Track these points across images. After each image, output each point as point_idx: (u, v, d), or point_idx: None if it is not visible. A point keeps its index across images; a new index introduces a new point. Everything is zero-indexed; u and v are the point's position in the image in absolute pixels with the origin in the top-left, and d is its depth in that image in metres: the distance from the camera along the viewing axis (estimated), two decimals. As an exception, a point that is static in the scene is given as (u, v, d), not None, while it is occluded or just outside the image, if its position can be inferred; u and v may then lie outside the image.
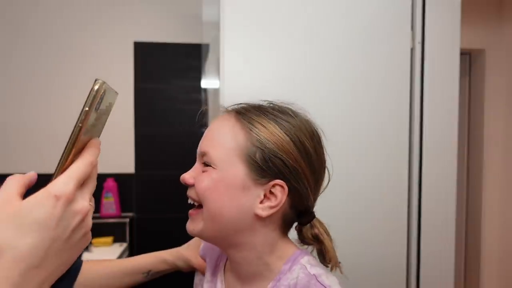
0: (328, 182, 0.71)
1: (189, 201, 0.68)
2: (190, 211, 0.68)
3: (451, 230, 1.24)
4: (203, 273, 0.82)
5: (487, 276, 2.43)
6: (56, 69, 2.46)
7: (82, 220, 0.43)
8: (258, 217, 0.64)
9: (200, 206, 0.65)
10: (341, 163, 1.19)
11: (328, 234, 0.71)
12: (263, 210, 0.63)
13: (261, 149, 0.62)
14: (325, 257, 0.70)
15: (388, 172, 1.21)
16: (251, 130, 0.63)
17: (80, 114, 0.42)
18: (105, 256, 2.05)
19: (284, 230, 0.69)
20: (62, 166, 0.44)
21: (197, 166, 0.67)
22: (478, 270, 2.44)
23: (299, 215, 0.69)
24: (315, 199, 0.69)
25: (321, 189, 0.70)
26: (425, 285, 1.22)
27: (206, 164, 0.64)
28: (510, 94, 2.37)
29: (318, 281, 0.62)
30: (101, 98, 0.43)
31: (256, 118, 0.64)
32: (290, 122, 0.65)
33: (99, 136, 0.48)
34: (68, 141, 0.43)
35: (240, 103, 0.69)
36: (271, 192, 0.63)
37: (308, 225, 0.69)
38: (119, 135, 2.49)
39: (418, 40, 1.21)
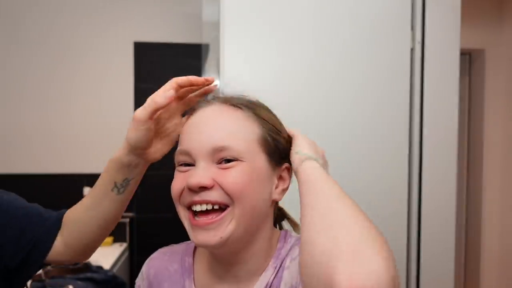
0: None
1: (200, 208, 0.60)
2: (207, 220, 0.60)
3: (451, 230, 1.23)
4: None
5: (487, 276, 2.43)
6: (56, 69, 2.46)
7: None
8: (272, 203, 0.66)
9: (220, 209, 0.60)
10: (341, 163, 1.19)
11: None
12: (279, 194, 0.66)
13: (272, 136, 0.65)
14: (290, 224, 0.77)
15: (388, 172, 1.21)
16: (259, 118, 0.65)
17: None
18: (105, 256, 2.04)
19: None
20: None
21: (206, 166, 0.61)
22: (478, 270, 2.44)
23: None
24: None
25: None
26: (425, 285, 1.22)
27: (227, 160, 0.61)
28: (510, 94, 2.37)
29: None
30: None
31: (255, 107, 0.66)
32: (266, 108, 0.69)
33: None
34: None
35: (219, 96, 0.70)
36: (280, 176, 0.66)
37: None
38: (119, 136, 2.47)
39: (418, 40, 1.21)
